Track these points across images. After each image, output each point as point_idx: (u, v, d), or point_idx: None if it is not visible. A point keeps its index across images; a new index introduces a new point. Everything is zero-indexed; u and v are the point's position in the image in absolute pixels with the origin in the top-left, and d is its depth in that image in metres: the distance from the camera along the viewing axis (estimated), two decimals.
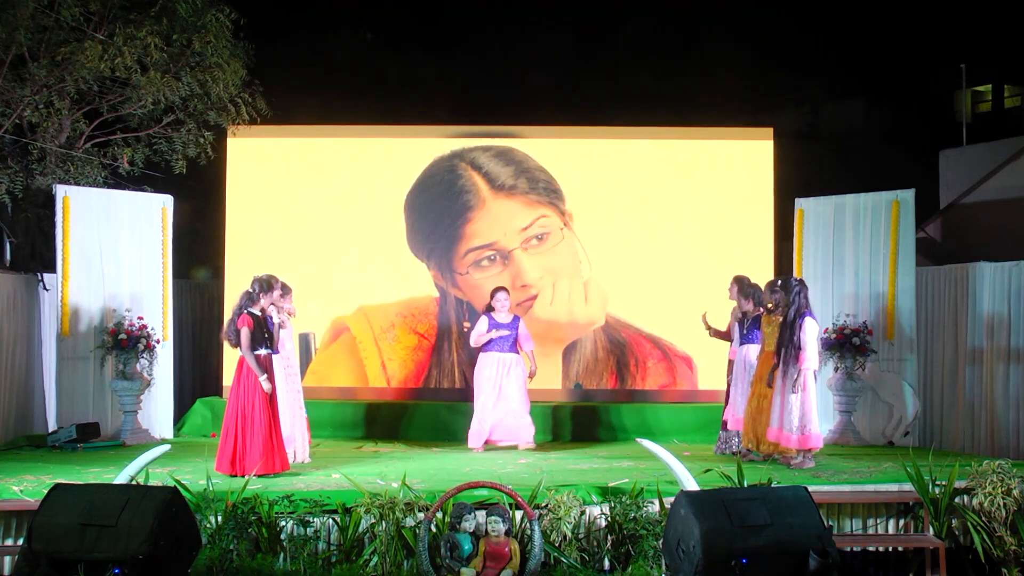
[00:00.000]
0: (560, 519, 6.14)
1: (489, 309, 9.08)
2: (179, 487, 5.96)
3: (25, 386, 9.74)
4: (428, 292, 10.76)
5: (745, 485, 6.57)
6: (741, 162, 10.78)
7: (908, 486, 6.75)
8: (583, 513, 6.34)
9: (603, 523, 6.35)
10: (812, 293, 9.74)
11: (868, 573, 6.77)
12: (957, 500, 6.64)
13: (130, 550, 5.01)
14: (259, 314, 7.48)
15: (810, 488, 5.63)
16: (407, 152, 10.83)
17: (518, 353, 9.03)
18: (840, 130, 20.11)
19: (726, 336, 8.72)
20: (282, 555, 6.10)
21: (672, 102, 14.26)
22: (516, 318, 9.15)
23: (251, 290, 7.51)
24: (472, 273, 10.67)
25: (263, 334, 7.44)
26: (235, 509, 6.07)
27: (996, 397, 9.19)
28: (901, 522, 6.78)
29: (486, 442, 8.96)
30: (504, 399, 8.89)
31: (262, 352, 7.40)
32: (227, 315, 7.93)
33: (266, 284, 7.54)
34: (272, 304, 7.68)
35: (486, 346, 8.97)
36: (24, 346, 9.67)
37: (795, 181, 11.41)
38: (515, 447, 8.94)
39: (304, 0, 15.51)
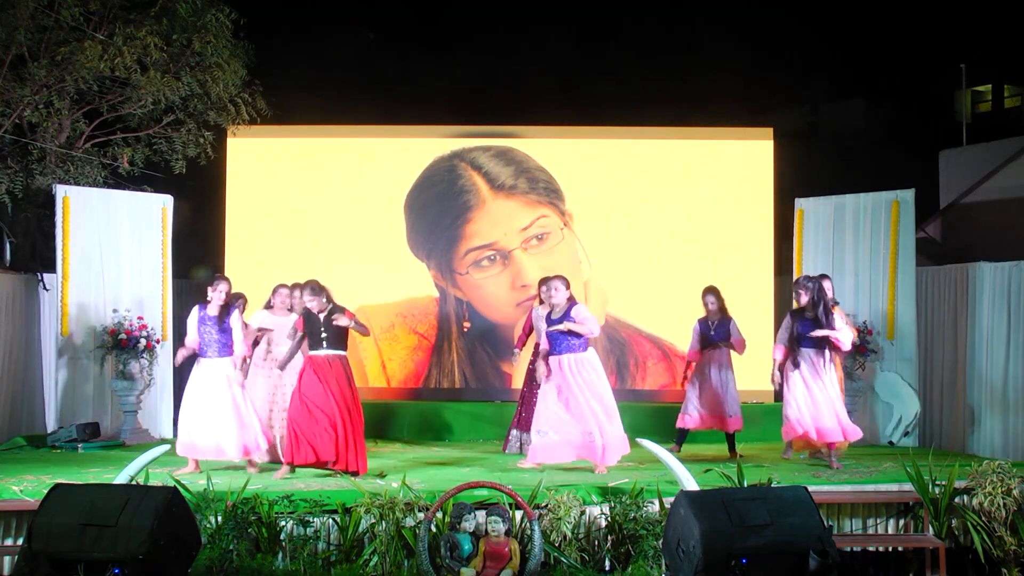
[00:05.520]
0: (560, 519, 6.14)
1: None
2: (179, 487, 5.96)
3: (25, 386, 9.74)
4: (428, 292, 10.76)
5: (745, 485, 6.57)
6: (741, 162, 10.78)
7: (908, 486, 6.75)
8: (583, 513, 6.34)
9: (603, 523, 6.35)
10: None
11: (868, 573, 6.77)
12: (957, 500, 6.64)
13: (130, 550, 5.01)
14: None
15: (810, 488, 5.63)
16: (407, 152, 10.83)
17: (577, 352, 7.52)
18: (840, 130, 20.11)
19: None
20: (282, 555, 6.10)
21: (672, 102, 14.25)
22: (571, 306, 7.61)
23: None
24: (472, 273, 10.67)
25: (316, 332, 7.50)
26: (235, 509, 6.07)
27: (996, 397, 9.19)
28: (901, 522, 6.78)
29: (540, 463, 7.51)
30: (573, 408, 7.46)
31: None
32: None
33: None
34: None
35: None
36: (24, 346, 9.68)
37: (795, 181, 11.41)
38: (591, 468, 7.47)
39: (304, 0, 15.51)
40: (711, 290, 8.72)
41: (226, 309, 7.63)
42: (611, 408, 7.52)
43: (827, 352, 7.91)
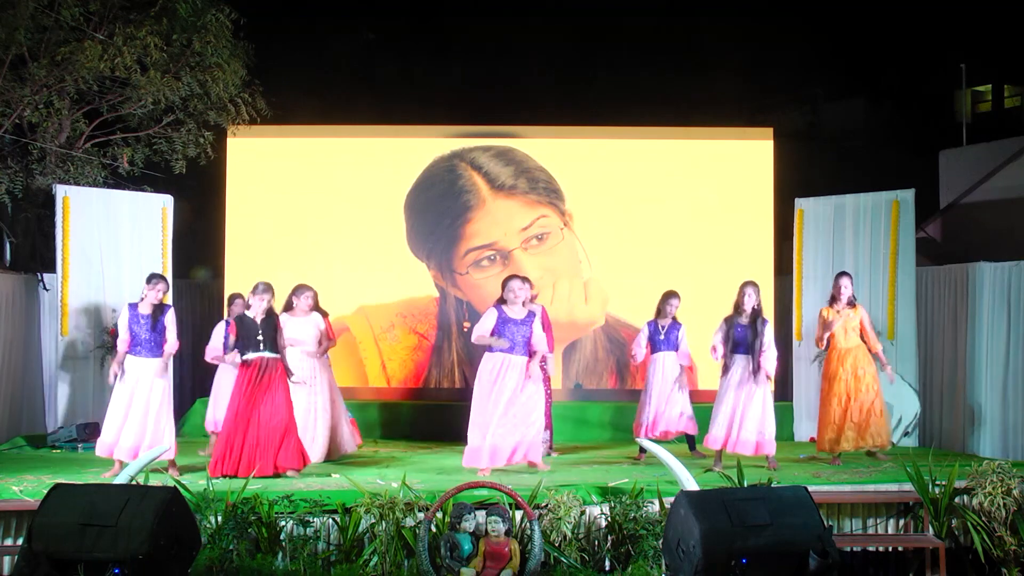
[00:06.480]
0: (560, 519, 6.14)
1: (502, 301, 7.62)
2: (179, 487, 5.96)
3: (25, 386, 9.75)
4: (428, 292, 10.76)
5: (745, 485, 6.57)
6: (741, 162, 10.78)
7: (908, 486, 6.75)
8: (583, 513, 6.34)
9: (603, 523, 6.35)
10: (812, 293, 9.97)
11: (868, 573, 6.78)
12: (957, 500, 6.64)
13: (130, 550, 5.01)
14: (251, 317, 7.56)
15: (810, 488, 5.64)
16: (407, 152, 10.83)
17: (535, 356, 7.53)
18: (840, 130, 20.10)
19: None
20: (282, 555, 6.11)
21: (672, 102, 14.26)
22: (532, 313, 7.59)
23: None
24: (472, 273, 10.67)
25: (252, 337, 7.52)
26: (235, 509, 6.07)
27: (996, 397, 9.19)
28: (901, 522, 6.78)
29: (497, 467, 7.34)
30: (514, 411, 7.37)
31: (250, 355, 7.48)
32: (226, 315, 7.93)
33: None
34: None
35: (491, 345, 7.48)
36: (24, 346, 9.68)
37: (795, 181, 11.41)
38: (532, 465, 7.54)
39: (304, 0, 15.51)
40: (676, 295, 8.59)
41: (160, 308, 7.58)
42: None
43: (758, 360, 7.75)
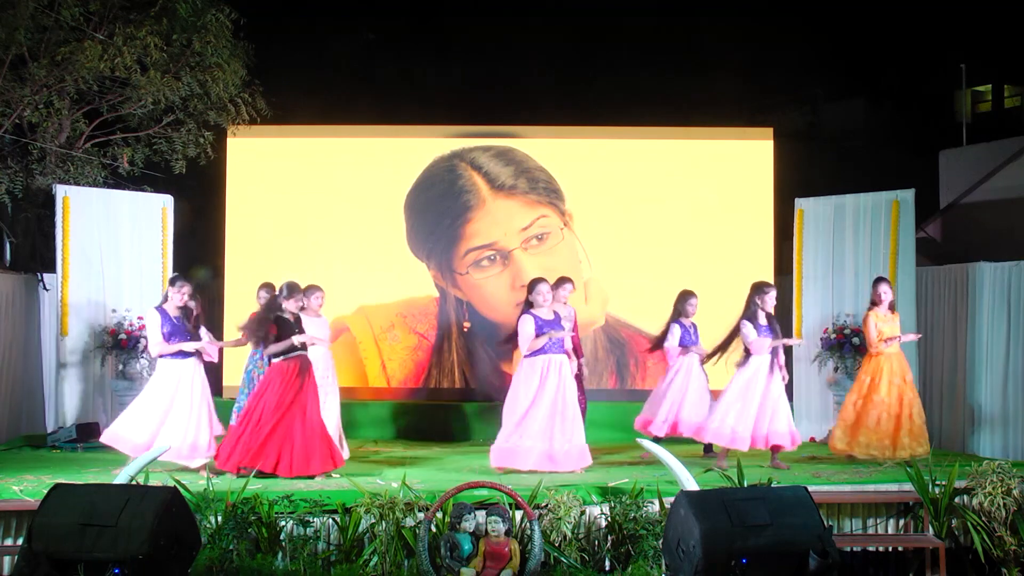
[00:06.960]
0: (560, 519, 6.15)
1: (529, 305, 7.60)
2: (179, 487, 5.96)
3: (25, 386, 9.75)
4: (428, 292, 10.76)
5: (745, 485, 6.58)
6: (741, 162, 10.78)
7: (908, 486, 6.76)
8: (583, 513, 6.35)
9: (603, 523, 6.35)
10: (812, 293, 9.99)
11: (868, 573, 6.78)
12: (957, 500, 6.65)
13: (130, 550, 5.01)
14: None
15: (810, 488, 5.64)
16: (407, 152, 10.83)
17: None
18: (840, 130, 20.11)
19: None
20: (282, 555, 6.11)
21: (672, 102, 14.26)
22: (558, 315, 7.73)
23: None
24: (472, 273, 10.67)
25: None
26: (235, 509, 6.08)
27: (996, 397, 9.19)
28: (901, 522, 6.79)
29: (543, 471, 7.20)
30: (560, 414, 7.48)
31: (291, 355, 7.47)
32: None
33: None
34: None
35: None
36: (24, 346, 9.69)
37: (795, 181, 11.41)
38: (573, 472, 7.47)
39: (304, 0, 15.51)
40: (694, 293, 8.69)
41: (187, 311, 7.58)
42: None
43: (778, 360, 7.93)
